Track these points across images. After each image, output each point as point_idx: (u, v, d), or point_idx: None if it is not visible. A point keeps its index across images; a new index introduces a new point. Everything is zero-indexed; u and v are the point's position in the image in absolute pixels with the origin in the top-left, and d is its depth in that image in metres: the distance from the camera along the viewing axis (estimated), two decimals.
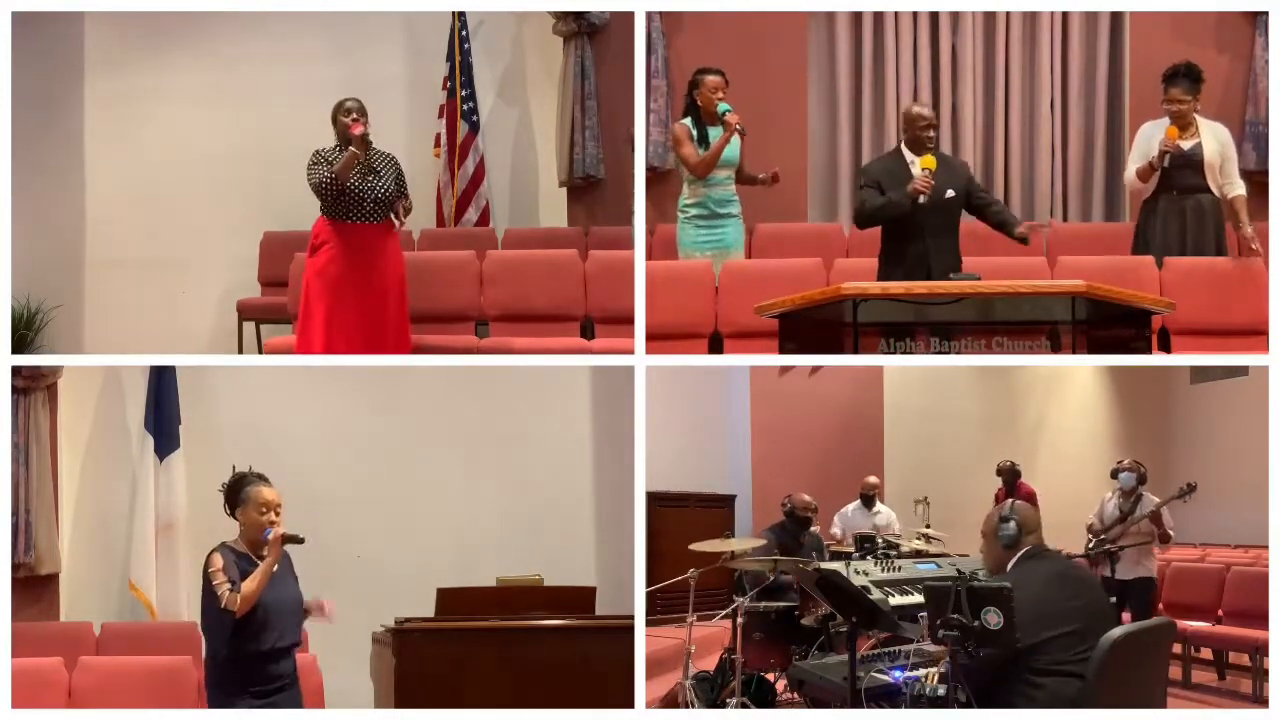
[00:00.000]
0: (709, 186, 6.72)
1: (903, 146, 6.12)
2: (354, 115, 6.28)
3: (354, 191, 6.28)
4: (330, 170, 6.22)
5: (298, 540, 4.38)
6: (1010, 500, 4.20)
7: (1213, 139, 6.73)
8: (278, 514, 4.40)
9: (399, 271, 6.47)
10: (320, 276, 6.34)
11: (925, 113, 6.13)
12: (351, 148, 6.21)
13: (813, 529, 6.87)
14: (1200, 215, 6.72)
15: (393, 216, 6.41)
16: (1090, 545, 6.83)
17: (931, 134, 6.07)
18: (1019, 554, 4.03)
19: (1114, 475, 7.03)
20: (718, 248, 6.78)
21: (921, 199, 5.89)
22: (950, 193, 6.01)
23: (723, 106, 6.61)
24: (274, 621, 4.31)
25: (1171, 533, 6.79)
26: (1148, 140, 6.77)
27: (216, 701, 4.35)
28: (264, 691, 4.33)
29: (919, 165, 5.96)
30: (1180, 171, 6.67)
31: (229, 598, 4.22)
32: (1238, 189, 6.78)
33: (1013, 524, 4.04)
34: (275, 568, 4.34)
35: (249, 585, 4.24)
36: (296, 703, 4.43)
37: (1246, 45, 7.88)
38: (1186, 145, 6.66)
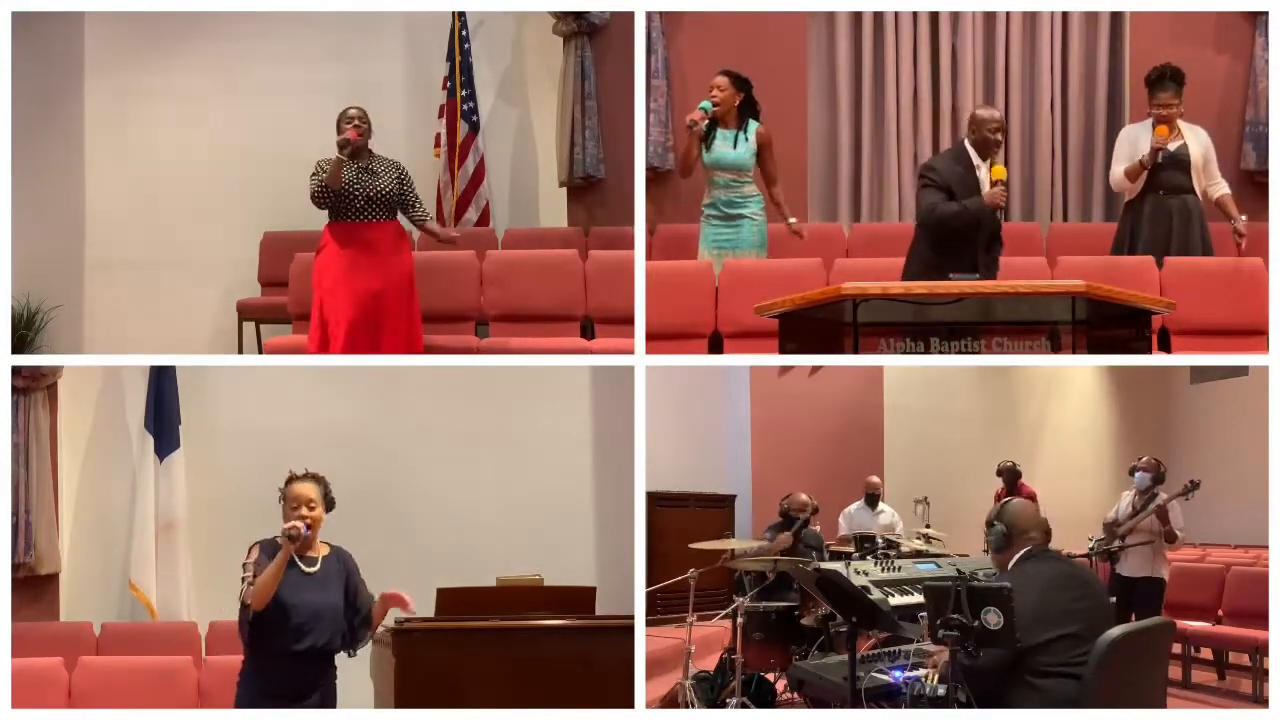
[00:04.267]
0: (716, 188, 6.74)
1: (968, 146, 5.98)
2: (354, 122, 6.32)
3: (346, 192, 6.31)
4: (321, 180, 6.26)
5: (290, 538, 4.32)
6: (1002, 501, 4.19)
7: (1195, 140, 6.84)
8: (310, 508, 4.38)
9: (403, 269, 6.45)
10: (321, 277, 6.38)
11: (998, 116, 6.03)
12: (337, 154, 6.24)
13: (814, 528, 6.87)
14: (1186, 216, 6.79)
15: (432, 231, 6.55)
16: (1092, 543, 6.83)
17: (1001, 137, 5.97)
18: (1017, 555, 4.02)
19: (1131, 473, 7.03)
20: (726, 247, 6.78)
21: (1000, 214, 5.91)
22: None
23: (702, 104, 6.62)
24: (299, 623, 4.29)
25: (1180, 533, 6.75)
26: (1132, 142, 6.86)
27: (240, 697, 4.36)
28: (287, 692, 4.32)
29: (989, 175, 5.88)
30: (1167, 172, 6.75)
31: (245, 590, 4.25)
32: (1223, 188, 6.90)
33: (999, 526, 4.05)
34: (312, 569, 4.36)
35: (261, 580, 4.24)
36: (326, 706, 4.41)
37: (1246, 45, 7.88)
38: (1172, 146, 6.76)
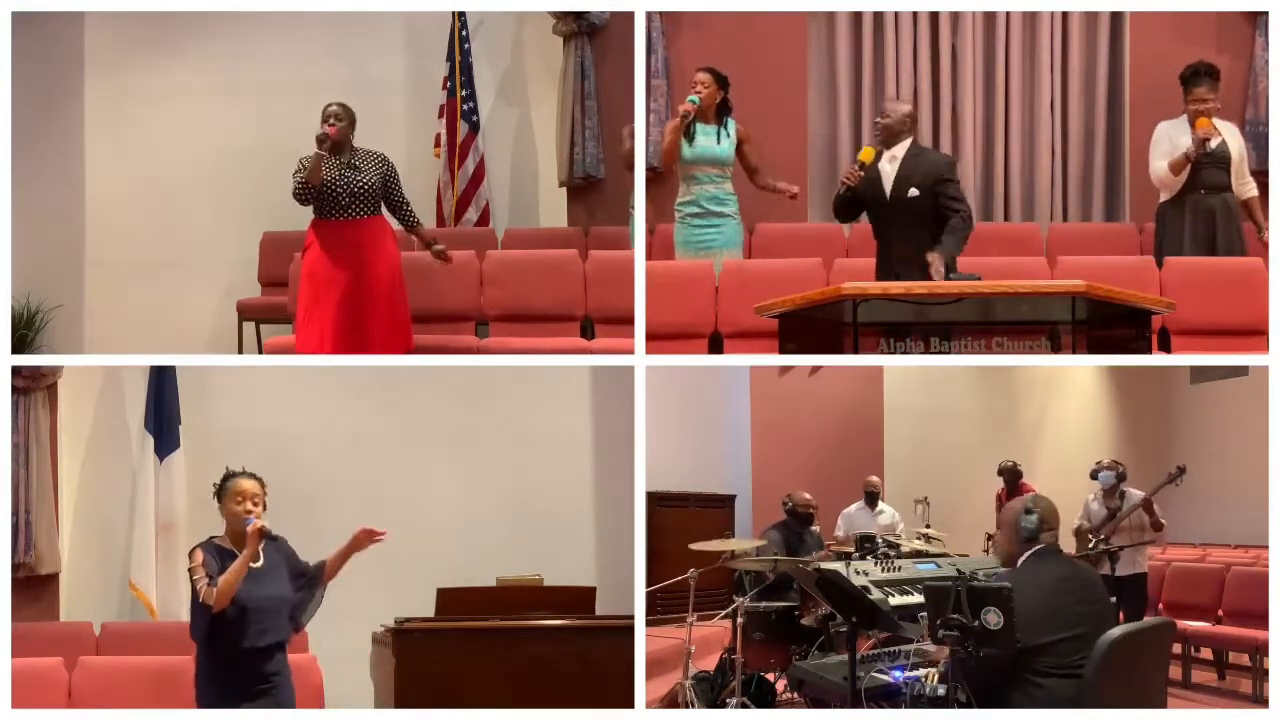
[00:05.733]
0: (698, 184, 6.74)
1: None
2: (330, 120, 6.31)
3: (329, 188, 6.31)
4: (302, 177, 6.26)
5: (270, 536, 4.36)
6: (1034, 493, 4.17)
7: (1233, 138, 6.86)
8: (254, 504, 4.40)
9: (389, 266, 6.45)
10: (309, 277, 6.40)
11: (883, 106, 6.14)
12: (316, 150, 6.24)
13: (813, 527, 6.87)
14: (1228, 213, 6.79)
15: (424, 237, 6.57)
16: (1091, 545, 6.83)
17: (878, 124, 6.00)
18: (1031, 551, 4.00)
19: (1093, 476, 7.05)
20: (709, 248, 6.78)
21: (843, 189, 5.92)
22: (914, 191, 5.87)
23: (691, 98, 6.68)
24: (254, 619, 4.30)
25: (1163, 521, 6.81)
26: (1170, 138, 6.81)
27: (202, 698, 4.36)
28: (248, 691, 4.32)
29: (860, 155, 5.96)
30: (1208, 170, 6.73)
31: (206, 591, 4.24)
32: (1251, 190, 6.88)
33: (1035, 517, 3.99)
34: (256, 563, 4.33)
35: (225, 579, 4.24)
36: (285, 702, 4.41)
37: (1246, 45, 7.88)
38: (1213, 144, 6.71)
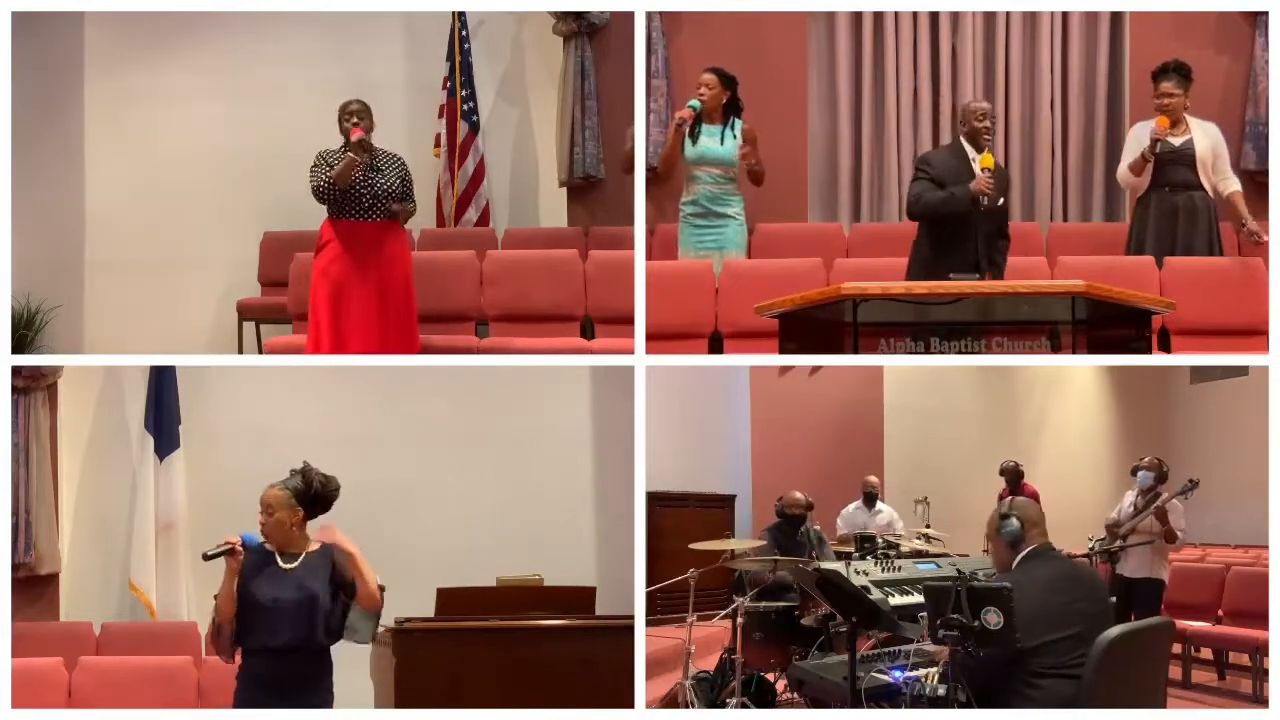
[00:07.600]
0: (700, 184, 6.75)
1: (963, 141, 6.05)
2: (355, 119, 6.26)
3: (352, 189, 6.26)
4: (329, 174, 6.22)
5: (231, 552, 4.34)
6: (1009, 497, 4.19)
7: (1204, 136, 6.81)
8: (268, 514, 4.41)
9: (403, 269, 6.45)
10: (323, 276, 6.35)
11: (984, 107, 6.12)
12: (349, 153, 6.20)
13: (814, 526, 6.85)
14: (1192, 212, 6.78)
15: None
16: (1092, 543, 6.82)
17: (989, 126, 6.04)
18: (1023, 553, 4.01)
19: (1133, 473, 7.02)
20: (710, 249, 6.79)
21: (985, 200, 5.89)
22: (1001, 200, 6.01)
23: (691, 103, 6.67)
24: (270, 618, 4.29)
25: (1181, 533, 6.74)
26: (1138, 138, 6.86)
27: (236, 697, 4.38)
28: (276, 691, 4.31)
29: (979, 164, 5.94)
30: (1172, 167, 6.74)
31: (213, 609, 4.34)
32: (1233, 185, 6.86)
33: (1014, 520, 4.02)
34: (292, 564, 4.38)
35: (218, 600, 4.32)
36: (318, 705, 4.38)
37: (1246, 45, 7.87)
38: (1178, 141, 6.74)
